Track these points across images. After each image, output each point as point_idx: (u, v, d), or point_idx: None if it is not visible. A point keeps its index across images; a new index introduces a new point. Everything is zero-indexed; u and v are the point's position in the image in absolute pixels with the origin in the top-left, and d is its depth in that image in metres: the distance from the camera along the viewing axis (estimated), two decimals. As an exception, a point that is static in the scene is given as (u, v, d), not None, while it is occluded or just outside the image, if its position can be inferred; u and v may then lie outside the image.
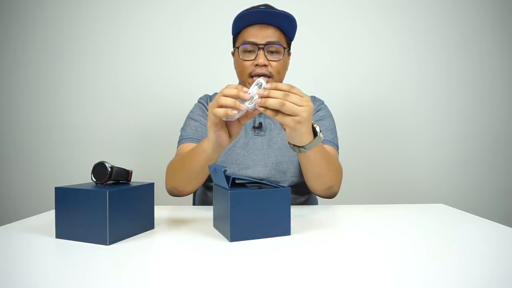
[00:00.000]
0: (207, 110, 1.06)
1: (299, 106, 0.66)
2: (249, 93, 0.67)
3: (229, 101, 0.67)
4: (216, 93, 1.12)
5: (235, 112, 0.67)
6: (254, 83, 0.68)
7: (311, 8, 1.65)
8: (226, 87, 0.69)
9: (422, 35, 1.69)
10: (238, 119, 0.73)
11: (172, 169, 0.92)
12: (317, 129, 0.74)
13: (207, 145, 0.77)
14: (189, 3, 1.65)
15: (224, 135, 0.74)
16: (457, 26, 1.69)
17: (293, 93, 0.66)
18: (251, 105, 0.67)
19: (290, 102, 0.65)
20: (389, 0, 1.68)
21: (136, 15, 1.65)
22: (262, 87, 0.67)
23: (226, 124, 0.74)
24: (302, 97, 0.67)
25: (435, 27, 1.69)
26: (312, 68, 1.66)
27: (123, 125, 1.65)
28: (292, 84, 0.68)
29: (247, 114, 0.71)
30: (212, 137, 0.74)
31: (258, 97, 0.66)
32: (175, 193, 0.94)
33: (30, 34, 1.64)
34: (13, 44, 1.65)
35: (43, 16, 1.64)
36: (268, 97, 0.65)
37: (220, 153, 0.80)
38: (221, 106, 0.68)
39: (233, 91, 0.67)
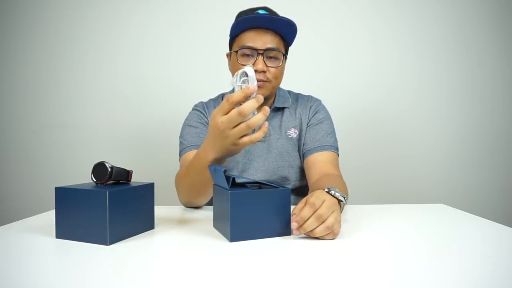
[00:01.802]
0: (205, 117, 1.04)
1: (328, 216, 0.60)
2: (238, 85, 0.64)
3: (257, 119, 0.63)
4: (211, 99, 1.10)
5: (266, 124, 0.65)
6: (239, 77, 0.65)
7: (313, 8, 1.65)
8: (236, 109, 0.62)
9: (422, 35, 1.69)
10: None
11: (181, 184, 0.87)
12: (340, 198, 0.67)
13: (217, 155, 0.70)
14: (189, 4, 1.65)
15: None
16: (457, 27, 1.70)
17: (317, 208, 0.59)
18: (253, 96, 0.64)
19: (327, 219, 0.59)
20: (390, 2, 1.68)
21: (137, 15, 1.65)
22: (249, 78, 0.63)
23: None
24: (320, 204, 0.60)
25: (435, 28, 1.69)
26: (313, 69, 1.66)
27: (123, 125, 1.65)
28: (307, 201, 0.61)
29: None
30: (235, 152, 0.70)
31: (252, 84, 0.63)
32: (191, 206, 0.91)
33: (30, 34, 1.65)
34: (13, 44, 1.65)
35: (43, 16, 1.64)
36: (305, 228, 0.59)
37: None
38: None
39: (250, 104, 0.62)
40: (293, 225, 0.60)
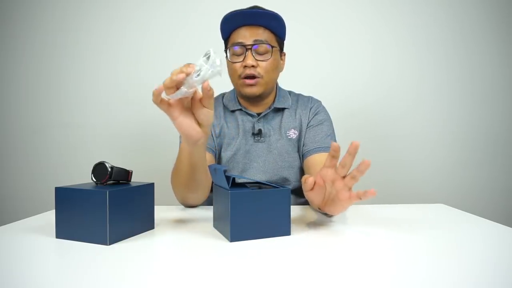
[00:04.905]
0: None
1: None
2: (196, 66, 0.58)
3: (167, 79, 0.58)
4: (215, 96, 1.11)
5: (161, 86, 0.58)
6: (203, 54, 0.59)
7: (313, 8, 1.65)
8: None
9: (422, 34, 1.69)
10: (201, 102, 0.62)
11: (171, 178, 0.87)
12: None
13: (183, 140, 0.71)
14: (189, 4, 1.65)
15: (189, 125, 0.64)
16: (457, 26, 1.70)
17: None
18: (198, 78, 0.58)
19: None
20: (390, 1, 1.68)
21: (136, 15, 1.65)
22: (211, 58, 0.58)
23: (193, 112, 0.65)
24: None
25: (435, 27, 1.69)
26: (313, 69, 1.66)
27: (123, 125, 1.65)
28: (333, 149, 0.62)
29: (203, 92, 0.61)
30: (177, 127, 0.65)
31: (208, 70, 0.58)
32: (186, 204, 0.90)
33: (30, 34, 1.65)
34: (13, 44, 1.65)
35: (43, 16, 1.64)
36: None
37: (199, 146, 0.70)
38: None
39: (177, 69, 0.59)
40: (309, 180, 0.61)
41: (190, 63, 0.59)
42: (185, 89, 0.59)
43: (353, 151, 0.59)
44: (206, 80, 0.59)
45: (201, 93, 0.62)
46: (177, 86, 0.60)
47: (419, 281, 0.43)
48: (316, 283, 0.42)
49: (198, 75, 0.58)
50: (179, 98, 0.61)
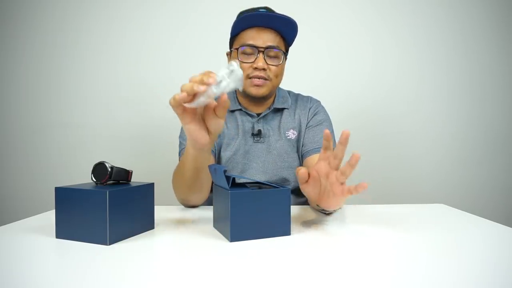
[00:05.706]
0: None
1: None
2: (217, 76, 0.59)
3: (187, 86, 0.58)
4: None
5: (184, 94, 0.58)
6: (225, 66, 0.61)
7: (314, 8, 1.65)
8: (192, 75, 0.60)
9: (422, 35, 1.69)
10: (215, 111, 0.63)
11: (174, 180, 0.87)
12: None
13: (189, 144, 0.71)
14: (190, 3, 1.65)
15: (199, 131, 0.65)
16: (457, 26, 1.70)
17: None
18: (218, 89, 0.58)
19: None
20: (390, 2, 1.68)
21: (137, 15, 1.65)
22: (234, 73, 0.60)
23: (204, 119, 0.65)
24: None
25: (435, 27, 1.69)
26: (313, 69, 1.66)
27: (123, 125, 1.65)
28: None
29: (219, 103, 0.61)
30: (186, 131, 0.66)
31: (227, 82, 0.59)
32: (187, 205, 0.90)
33: (30, 34, 1.65)
34: (13, 44, 1.65)
35: (43, 16, 1.64)
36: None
37: (204, 151, 0.71)
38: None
39: (197, 77, 0.59)
40: (300, 171, 0.62)
41: (211, 72, 0.59)
42: (203, 99, 0.59)
43: (344, 141, 0.59)
44: (225, 93, 0.60)
45: (215, 102, 0.62)
46: (194, 94, 0.60)
47: (418, 281, 0.43)
48: (316, 283, 0.42)
49: (218, 86, 0.59)
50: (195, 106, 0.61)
